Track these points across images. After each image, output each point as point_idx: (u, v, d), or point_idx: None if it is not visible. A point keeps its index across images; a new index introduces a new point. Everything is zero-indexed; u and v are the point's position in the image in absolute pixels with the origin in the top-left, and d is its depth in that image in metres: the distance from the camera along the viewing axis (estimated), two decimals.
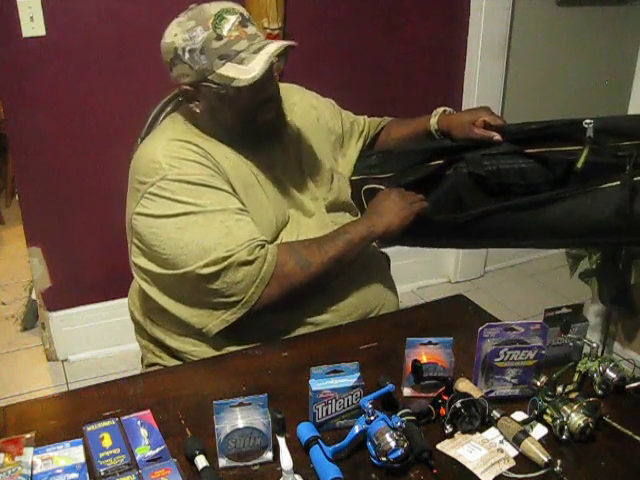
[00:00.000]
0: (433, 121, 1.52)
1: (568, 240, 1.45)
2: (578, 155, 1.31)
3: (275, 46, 1.23)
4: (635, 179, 1.27)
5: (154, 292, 1.34)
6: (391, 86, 2.71)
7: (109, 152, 2.28)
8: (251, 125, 1.32)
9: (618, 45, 3.00)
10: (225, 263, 1.23)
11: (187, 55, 1.25)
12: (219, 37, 1.23)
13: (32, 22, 2.10)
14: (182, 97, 1.32)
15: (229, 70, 1.23)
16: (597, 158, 1.31)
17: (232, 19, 1.24)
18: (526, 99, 2.92)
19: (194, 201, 1.25)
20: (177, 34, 1.25)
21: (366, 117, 1.68)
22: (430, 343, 1.11)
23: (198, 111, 1.32)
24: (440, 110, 1.53)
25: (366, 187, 1.56)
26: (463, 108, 2.66)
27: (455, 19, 2.74)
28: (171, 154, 1.28)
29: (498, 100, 2.86)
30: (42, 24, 2.12)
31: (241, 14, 1.26)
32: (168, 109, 1.55)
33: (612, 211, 1.28)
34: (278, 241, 1.36)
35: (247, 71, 1.22)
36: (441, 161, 1.47)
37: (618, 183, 1.27)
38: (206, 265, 1.23)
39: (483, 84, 2.81)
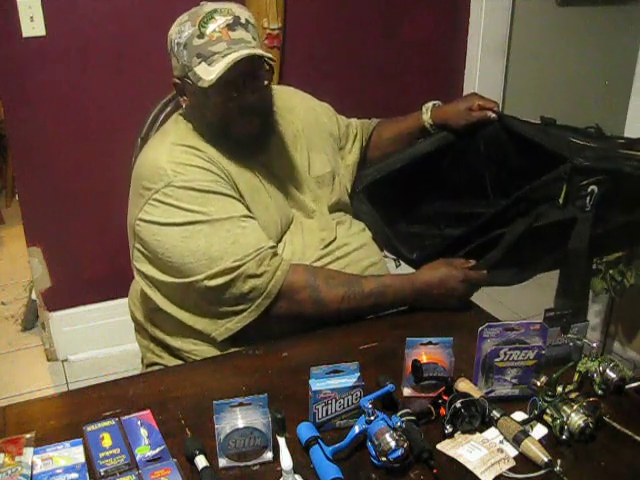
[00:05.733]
0: (426, 117, 1.52)
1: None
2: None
3: (242, 53, 1.20)
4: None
5: (157, 297, 1.34)
6: (391, 86, 2.71)
7: (109, 152, 2.28)
8: (229, 133, 1.30)
9: (618, 45, 3.00)
10: (233, 275, 1.23)
11: (176, 48, 1.27)
12: (201, 35, 1.23)
13: (32, 22, 2.11)
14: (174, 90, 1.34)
15: (200, 70, 1.24)
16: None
17: (220, 20, 1.23)
18: (526, 99, 2.92)
19: (199, 209, 1.25)
20: (174, 27, 1.28)
21: (357, 119, 1.68)
22: (430, 343, 1.11)
23: (184, 105, 1.34)
24: (429, 105, 1.54)
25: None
26: None
27: (455, 19, 2.74)
28: (175, 160, 1.27)
29: (498, 100, 2.83)
30: (42, 24, 2.12)
31: (235, 17, 1.24)
32: (168, 109, 1.55)
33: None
34: (282, 243, 1.36)
35: (210, 72, 1.22)
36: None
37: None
38: (214, 276, 1.23)
39: (483, 84, 2.81)
